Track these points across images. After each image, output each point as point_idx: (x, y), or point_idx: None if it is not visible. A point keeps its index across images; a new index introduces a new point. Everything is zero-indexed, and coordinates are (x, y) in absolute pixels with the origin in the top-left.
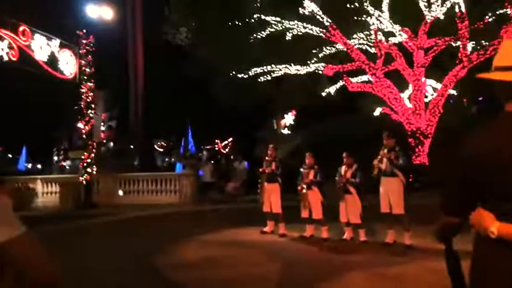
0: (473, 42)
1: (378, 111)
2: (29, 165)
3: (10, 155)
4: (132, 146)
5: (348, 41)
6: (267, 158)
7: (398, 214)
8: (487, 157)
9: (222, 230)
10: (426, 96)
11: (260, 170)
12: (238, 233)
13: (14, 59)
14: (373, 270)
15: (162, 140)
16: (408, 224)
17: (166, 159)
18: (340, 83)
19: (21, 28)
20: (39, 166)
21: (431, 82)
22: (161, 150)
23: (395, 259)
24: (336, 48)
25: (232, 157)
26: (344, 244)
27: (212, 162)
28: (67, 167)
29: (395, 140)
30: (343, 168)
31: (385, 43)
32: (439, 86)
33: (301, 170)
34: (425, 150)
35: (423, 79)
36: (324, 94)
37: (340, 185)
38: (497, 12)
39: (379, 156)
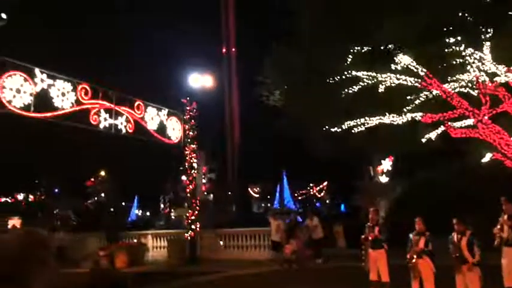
0: None
1: (487, 158)
2: (139, 212)
3: (124, 203)
4: (229, 193)
5: (447, 88)
6: (368, 223)
7: None
8: None
9: None
10: None
11: (362, 237)
12: None
13: (131, 131)
14: None
15: (258, 186)
16: None
17: (262, 205)
18: (442, 128)
19: (136, 103)
20: (147, 213)
21: None
22: (256, 196)
23: None
24: (433, 95)
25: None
26: None
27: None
28: (173, 217)
29: None
30: (455, 235)
31: (490, 84)
32: None
33: (410, 236)
34: None
35: None
36: (423, 140)
37: (456, 255)
38: None
39: (499, 225)
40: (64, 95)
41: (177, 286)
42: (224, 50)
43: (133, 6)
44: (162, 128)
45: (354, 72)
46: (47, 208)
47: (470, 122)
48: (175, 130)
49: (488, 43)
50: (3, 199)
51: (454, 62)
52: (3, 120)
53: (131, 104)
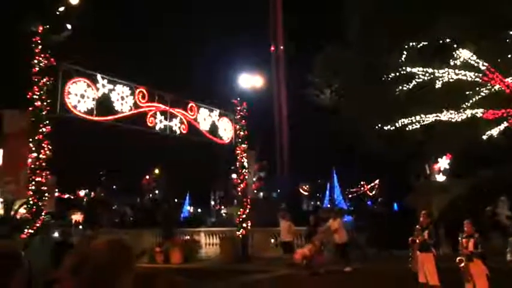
0: None
1: None
2: (191, 209)
3: (176, 200)
4: (279, 191)
5: (510, 82)
6: (417, 226)
7: None
8: None
9: None
10: None
11: (410, 240)
12: None
13: (185, 132)
14: None
15: (307, 184)
16: None
17: (312, 203)
18: (505, 124)
19: (189, 105)
20: (199, 210)
21: None
22: (306, 193)
23: None
24: (495, 90)
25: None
26: None
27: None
28: (223, 214)
29: None
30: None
31: None
32: None
33: (460, 238)
34: None
35: None
36: (485, 137)
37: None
38: None
39: None
40: (123, 99)
41: (230, 283)
42: (272, 48)
43: (183, 7)
44: (214, 129)
45: (408, 69)
46: (106, 204)
47: None
48: (226, 130)
49: None
50: (66, 195)
51: None
52: (68, 123)
53: (185, 106)
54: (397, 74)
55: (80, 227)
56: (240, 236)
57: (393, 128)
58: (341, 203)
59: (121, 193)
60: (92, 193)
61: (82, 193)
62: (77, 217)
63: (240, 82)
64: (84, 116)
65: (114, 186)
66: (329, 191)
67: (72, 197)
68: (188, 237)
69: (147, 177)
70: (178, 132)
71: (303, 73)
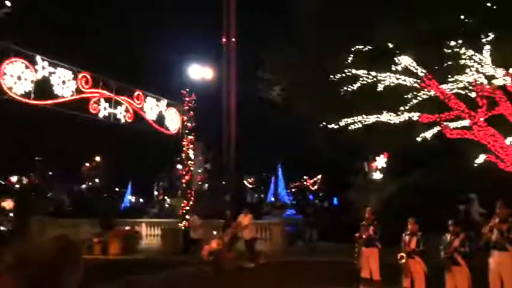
0: None
1: (481, 159)
2: (133, 199)
3: (117, 189)
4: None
5: (444, 89)
6: (363, 222)
7: None
8: None
9: None
10: None
11: (356, 235)
12: None
13: (130, 120)
14: None
15: (252, 177)
16: None
17: (256, 195)
18: (438, 128)
19: (136, 93)
20: (141, 200)
21: None
22: (251, 186)
23: None
24: (431, 96)
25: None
26: None
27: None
28: (167, 205)
29: (511, 211)
30: (448, 236)
31: (487, 86)
32: None
33: (404, 236)
34: None
35: None
36: (419, 139)
37: (447, 255)
38: None
39: (490, 225)
40: (64, 83)
41: (169, 275)
42: (224, 40)
43: None
44: (160, 119)
45: (354, 71)
46: (40, 191)
47: (466, 123)
48: (173, 121)
49: (488, 46)
50: None
51: (453, 64)
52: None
53: (131, 94)
54: (343, 75)
55: (11, 214)
56: (183, 227)
57: (337, 126)
58: (284, 197)
59: (58, 180)
60: (25, 179)
61: (14, 179)
62: (7, 204)
63: (189, 73)
64: (20, 99)
65: (51, 173)
66: (273, 185)
67: (2, 183)
68: (129, 227)
69: (87, 164)
70: (123, 120)
71: (254, 69)
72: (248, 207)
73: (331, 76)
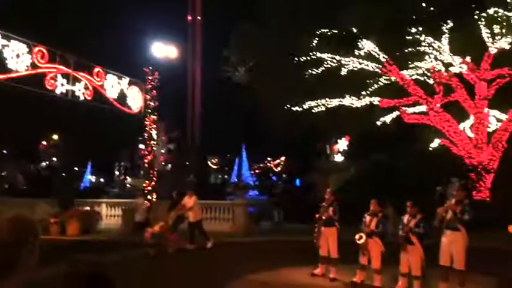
0: None
1: (436, 143)
2: (93, 179)
3: (76, 168)
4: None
5: (404, 75)
6: (323, 203)
7: (458, 270)
8: None
9: (272, 267)
10: (489, 127)
11: (316, 216)
12: (288, 274)
13: (89, 98)
14: None
15: (216, 157)
16: (464, 279)
17: (219, 176)
18: (396, 113)
19: (95, 70)
20: (102, 180)
21: (495, 112)
22: (215, 167)
23: None
24: (391, 81)
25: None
26: None
27: None
28: (128, 185)
29: (467, 193)
30: (407, 217)
31: (445, 73)
32: (503, 116)
33: (365, 215)
34: (487, 186)
35: (486, 110)
36: (379, 123)
37: (403, 234)
38: None
39: (446, 206)
40: (19, 57)
41: (129, 256)
42: (190, 18)
43: None
44: (122, 97)
45: (318, 54)
46: None
47: (423, 108)
48: (136, 100)
49: (447, 34)
50: None
51: (414, 51)
52: None
53: (90, 71)
54: (308, 58)
55: None
56: (144, 207)
57: (301, 109)
58: (248, 178)
59: (12, 158)
60: None
61: None
62: None
63: (153, 51)
64: None
65: (5, 151)
66: (237, 166)
67: None
68: (88, 208)
69: (44, 142)
70: (82, 98)
71: (219, 48)
72: (212, 187)
73: (296, 59)
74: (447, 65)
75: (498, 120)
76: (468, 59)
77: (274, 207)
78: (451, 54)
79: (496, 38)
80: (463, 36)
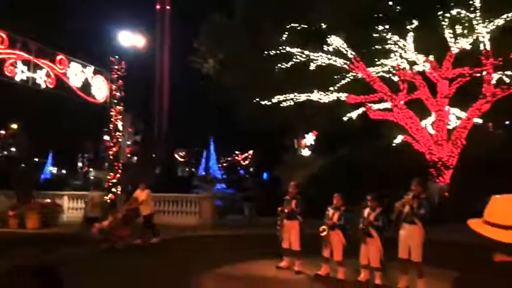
0: (499, 73)
1: (399, 139)
2: (54, 170)
3: (37, 159)
4: (154, 155)
5: (370, 72)
6: (287, 196)
7: (415, 262)
8: None
9: (238, 261)
10: (449, 125)
11: (279, 209)
12: (254, 267)
13: (51, 86)
14: None
15: (183, 150)
16: (423, 271)
17: (187, 169)
18: (362, 109)
19: (58, 57)
20: (63, 172)
21: (455, 110)
22: (182, 160)
23: None
24: (358, 78)
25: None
26: (359, 286)
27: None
28: (92, 177)
29: (423, 188)
30: (367, 210)
31: (409, 71)
32: (463, 114)
33: (329, 209)
34: (447, 181)
35: (446, 108)
36: (345, 119)
37: (363, 227)
38: None
39: (403, 201)
40: None
41: (91, 250)
42: (158, 7)
43: None
44: (86, 86)
45: (288, 48)
46: None
47: (387, 105)
48: (101, 89)
49: (412, 33)
50: None
51: (380, 48)
52: None
53: (52, 58)
54: (278, 52)
55: None
56: (109, 200)
57: (270, 103)
58: (215, 172)
59: None
60: None
61: None
62: None
63: (119, 40)
64: None
65: None
66: (205, 159)
67: None
68: (49, 200)
69: (3, 132)
70: (43, 85)
71: (188, 39)
72: (179, 180)
73: (266, 52)
74: (411, 64)
75: (458, 118)
76: (431, 58)
77: (245, 201)
78: (416, 53)
79: (458, 38)
80: (427, 35)
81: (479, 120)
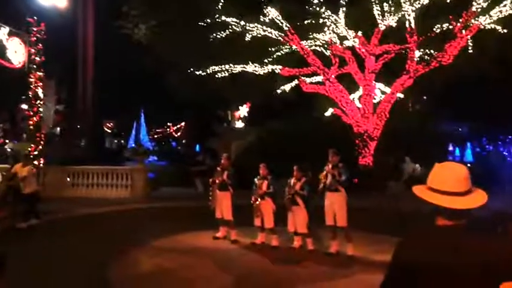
0: (421, 50)
1: (329, 112)
2: None
3: None
4: (78, 127)
5: (304, 46)
6: (218, 168)
7: (342, 226)
8: (417, 267)
9: (174, 233)
10: (375, 98)
11: (210, 180)
12: (190, 238)
13: None
14: (318, 284)
15: (112, 121)
16: (350, 235)
17: (115, 141)
18: (296, 82)
19: None
20: None
21: (380, 85)
22: (110, 131)
23: (338, 271)
24: (293, 50)
25: None
26: (293, 252)
27: None
28: (8, 150)
29: (340, 157)
30: (293, 180)
31: (340, 46)
32: (387, 89)
33: (255, 180)
34: (371, 152)
35: (373, 83)
36: (279, 91)
37: (289, 196)
38: (444, 27)
39: (325, 171)
40: None
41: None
42: None
43: None
44: (1, 49)
45: (223, 18)
46: None
47: (319, 79)
48: (17, 53)
49: (343, 8)
50: None
51: (314, 22)
52: None
53: None
54: (213, 21)
55: None
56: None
57: (204, 73)
58: (146, 143)
59: None
60: None
61: None
62: None
63: None
64: None
65: None
66: (135, 130)
67: None
68: None
69: None
70: None
71: (117, 2)
72: (109, 153)
73: (201, 21)
74: (342, 38)
75: (383, 92)
76: (360, 33)
77: (196, 175)
78: (346, 28)
79: (386, 15)
80: (357, 11)
81: (401, 95)
